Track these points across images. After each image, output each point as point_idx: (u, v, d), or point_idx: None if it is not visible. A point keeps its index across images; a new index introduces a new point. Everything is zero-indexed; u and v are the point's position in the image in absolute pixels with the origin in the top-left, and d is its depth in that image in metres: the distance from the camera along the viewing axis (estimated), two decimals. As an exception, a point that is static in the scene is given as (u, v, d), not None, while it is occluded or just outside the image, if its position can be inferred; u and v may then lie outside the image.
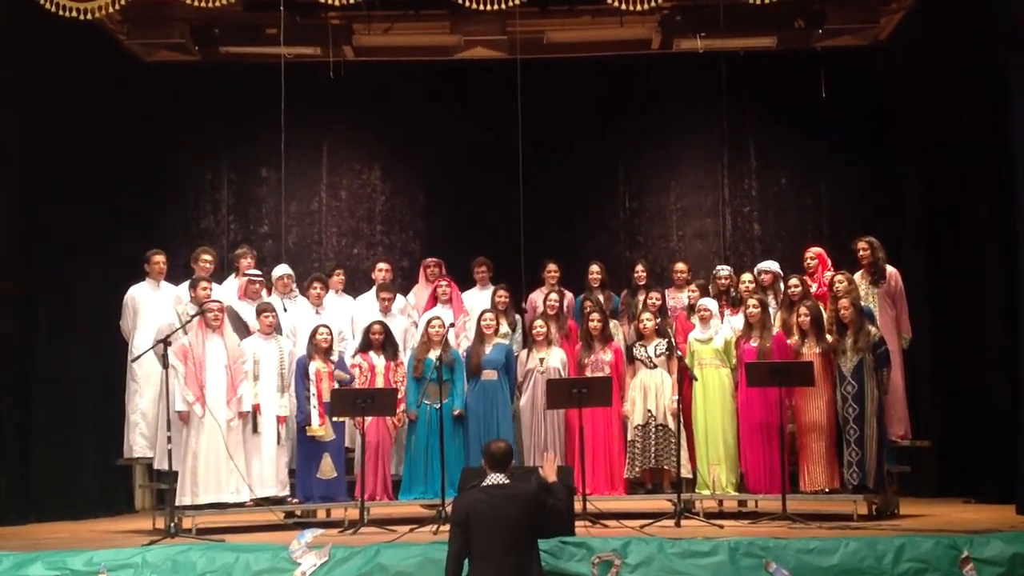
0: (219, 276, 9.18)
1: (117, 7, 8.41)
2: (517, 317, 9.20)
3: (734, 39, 10.10)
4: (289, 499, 8.23)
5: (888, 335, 8.31)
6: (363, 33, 10.52)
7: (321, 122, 11.37)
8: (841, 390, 7.95)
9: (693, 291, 9.04)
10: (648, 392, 8.32)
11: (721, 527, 7.35)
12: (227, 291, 8.89)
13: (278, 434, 8.20)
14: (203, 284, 8.28)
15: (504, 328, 8.87)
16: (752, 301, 8.31)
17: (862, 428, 7.83)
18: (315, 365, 8.20)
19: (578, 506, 7.23)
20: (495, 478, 5.67)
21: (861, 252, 8.79)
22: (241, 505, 7.98)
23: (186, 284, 8.54)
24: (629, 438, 8.35)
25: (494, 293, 9.11)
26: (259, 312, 8.36)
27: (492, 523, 5.48)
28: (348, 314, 9.29)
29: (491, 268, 9.67)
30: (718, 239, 11.35)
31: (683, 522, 7.49)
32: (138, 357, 8.23)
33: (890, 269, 8.80)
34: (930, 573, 6.17)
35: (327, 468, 8.17)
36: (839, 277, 8.33)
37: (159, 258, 8.82)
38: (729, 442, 8.25)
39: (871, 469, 7.79)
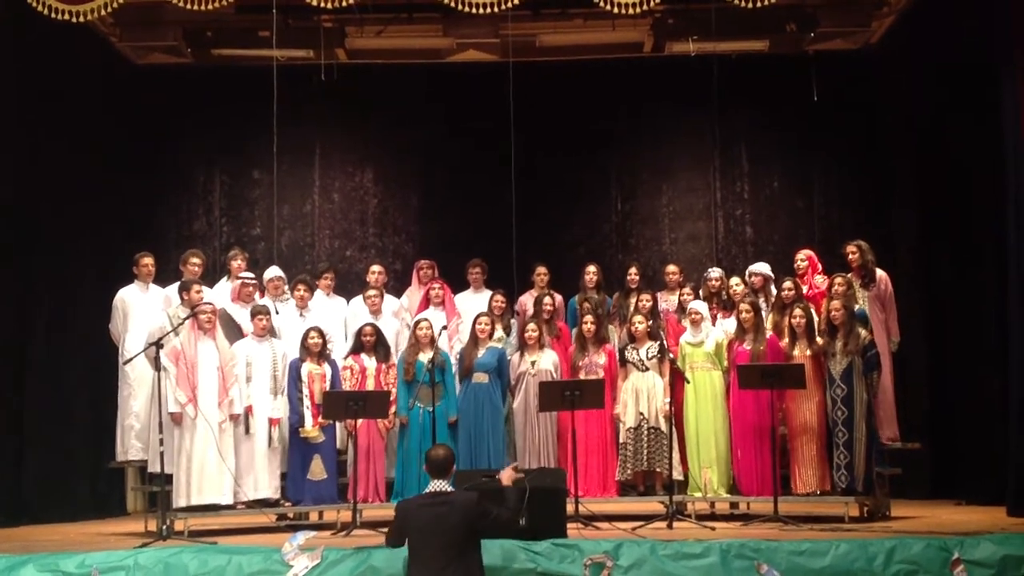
0: (209, 278, 9.18)
1: (109, 10, 8.40)
2: (513, 322, 9.18)
3: (726, 42, 10.11)
4: (281, 501, 8.23)
5: (877, 338, 8.33)
6: (356, 36, 10.52)
7: (314, 124, 11.35)
8: (830, 392, 7.97)
9: (688, 294, 9.05)
10: (640, 395, 8.33)
11: (713, 529, 7.37)
12: (219, 293, 8.90)
13: (270, 436, 8.20)
14: (196, 287, 8.27)
15: (499, 332, 8.87)
16: (744, 305, 8.33)
17: (851, 431, 7.86)
18: (307, 367, 8.21)
19: (570, 508, 7.24)
20: (436, 485, 5.78)
21: (851, 255, 8.82)
22: (233, 507, 7.97)
23: (175, 286, 8.54)
24: (621, 440, 8.36)
25: (491, 298, 9.10)
26: (253, 315, 8.36)
27: (431, 531, 5.59)
28: (339, 316, 9.29)
29: (485, 270, 9.67)
30: (710, 242, 11.37)
31: (675, 524, 7.51)
32: (129, 360, 8.23)
33: (880, 272, 8.82)
34: (921, 575, 6.19)
35: (317, 469, 8.17)
36: (839, 280, 8.36)
37: (147, 260, 8.83)
38: (721, 444, 8.27)
39: (859, 472, 7.82)
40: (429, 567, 5.56)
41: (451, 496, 5.74)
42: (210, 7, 8.51)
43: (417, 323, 8.51)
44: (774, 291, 8.93)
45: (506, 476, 6.25)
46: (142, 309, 8.67)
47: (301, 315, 8.90)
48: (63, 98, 9.41)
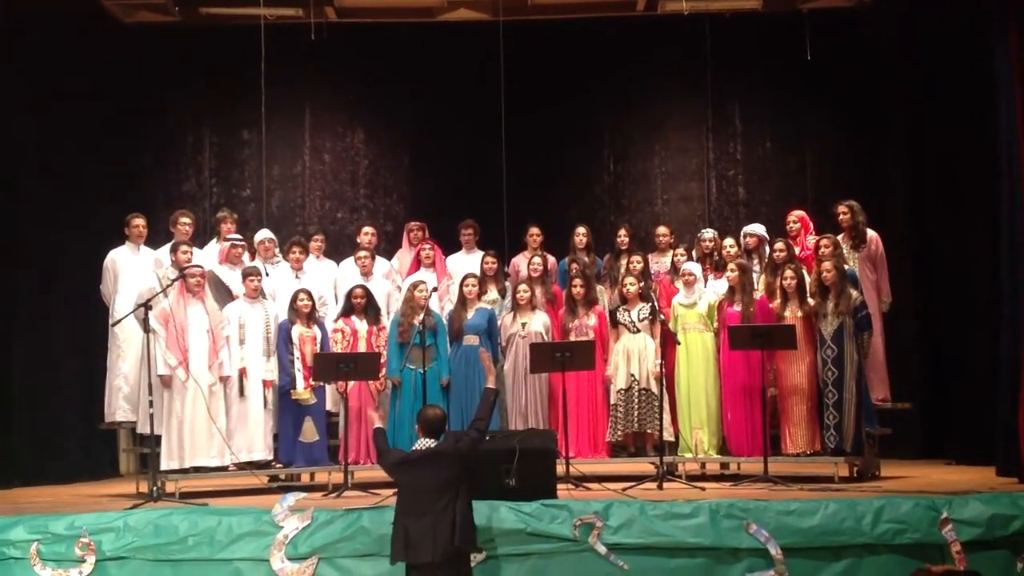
0: (200, 239, 9.13)
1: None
2: (507, 284, 9.13)
3: (719, 1, 10.03)
4: (273, 463, 8.23)
5: (868, 299, 8.32)
6: (345, -6, 10.41)
7: (303, 84, 11.25)
8: (821, 353, 7.96)
9: (682, 255, 9.02)
10: (631, 356, 8.32)
11: (703, 489, 7.40)
12: (209, 255, 8.85)
13: (264, 398, 8.19)
14: (183, 248, 8.22)
15: (494, 294, 8.84)
16: (732, 265, 8.31)
17: (841, 391, 7.86)
18: (297, 329, 8.18)
19: (560, 469, 7.25)
20: (422, 443, 5.84)
21: (841, 216, 8.79)
22: (224, 469, 7.97)
23: (166, 248, 8.50)
24: (612, 402, 8.36)
25: (483, 259, 9.06)
26: (245, 276, 8.32)
27: (418, 487, 5.67)
28: (329, 278, 9.26)
29: (477, 231, 9.63)
30: (703, 203, 11.33)
31: (665, 485, 7.52)
32: (118, 321, 8.20)
33: (871, 233, 8.80)
34: (909, 534, 6.22)
35: (309, 432, 8.17)
36: (824, 241, 8.32)
37: (139, 222, 8.77)
38: (712, 405, 8.28)
39: (849, 432, 7.82)
40: (420, 512, 5.65)
41: (435, 451, 5.80)
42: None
43: (416, 285, 8.43)
44: (768, 252, 8.90)
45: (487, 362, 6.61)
46: (133, 270, 8.62)
47: (296, 276, 8.86)
48: (50, 57, 9.30)
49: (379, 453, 6.08)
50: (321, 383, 8.19)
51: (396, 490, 5.92)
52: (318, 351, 8.11)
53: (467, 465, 5.83)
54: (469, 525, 5.78)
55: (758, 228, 9.14)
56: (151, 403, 7.52)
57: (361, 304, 8.42)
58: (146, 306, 7.52)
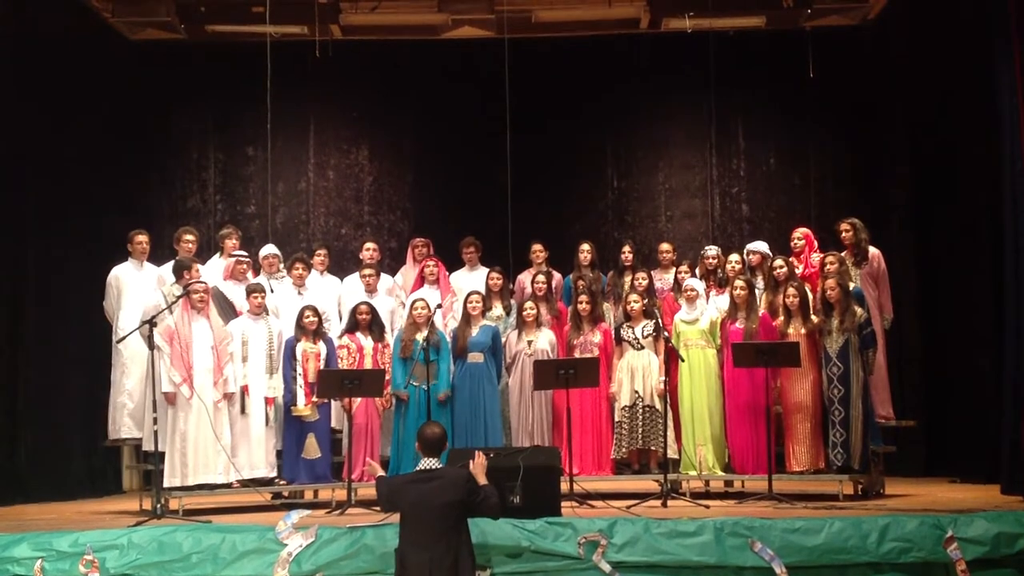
0: (203, 256, 9.15)
1: (102, -16, 8.36)
2: (513, 301, 9.11)
3: (723, 18, 10.09)
4: (276, 480, 8.23)
5: (870, 316, 8.31)
6: (350, 12, 10.46)
7: (308, 101, 11.31)
8: (826, 371, 7.95)
9: (685, 272, 9.03)
10: (635, 373, 8.32)
11: (707, 507, 7.38)
12: (212, 271, 8.86)
13: (266, 415, 8.18)
14: (196, 266, 8.24)
15: (499, 311, 8.84)
16: (739, 282, 8.30)
17: (847, 409, 7.85)
18: (302, 346, 8.19)
19: (565, 487, 7.24)
20: (426, 463, 5.79)
21: (844, 233, 8.80)
22: (228, 486, 7.97)
23: (169, 265, 8.51)
24: (616, 419, 8.35)
25: (488, 275, 9.06)
26: (248, 293, 8.33)
27: (423, 507, 5.61)
28: (333, 294, 9.27)
29: (480, 248, 9.63)
30: (706, 220, 11.35)
31: (670, 502, 7.51)
32: (123, 338, 8.20)
33: (873, 250, 8.80)
34: (915, 552, 6.20)
35: (311, 448, 8.17)
36: (830, 258, 8.33)
37: (142, 238, 8.79)
38: (716, 422, 8.27)
39: (856, 450, 7.81)
40: (420, 542, 5.60)
41: (440, 472, 5.75)
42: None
43: (413, 303, 8.46)
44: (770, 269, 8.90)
45: (479, 471, 5.90)
46: (136, 287, 8.63)
47: (299, 293, 8.87)
48: (57, 73, 9.34)
49: (380, 496, 5.93)
50: (324, 400, 8.19)
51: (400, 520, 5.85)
52: (322, 367, 8.11)
53: (471, 498, 5.77)
54: (471, 558, 5.76)
55: (761, 245, 9.15)
56: (155, 420, 7.52)
57: (366, 320, 8.43)
58: (151, 323, 7.54)
